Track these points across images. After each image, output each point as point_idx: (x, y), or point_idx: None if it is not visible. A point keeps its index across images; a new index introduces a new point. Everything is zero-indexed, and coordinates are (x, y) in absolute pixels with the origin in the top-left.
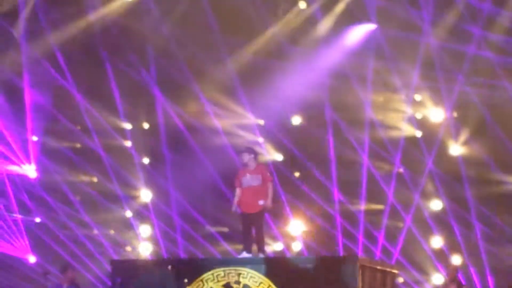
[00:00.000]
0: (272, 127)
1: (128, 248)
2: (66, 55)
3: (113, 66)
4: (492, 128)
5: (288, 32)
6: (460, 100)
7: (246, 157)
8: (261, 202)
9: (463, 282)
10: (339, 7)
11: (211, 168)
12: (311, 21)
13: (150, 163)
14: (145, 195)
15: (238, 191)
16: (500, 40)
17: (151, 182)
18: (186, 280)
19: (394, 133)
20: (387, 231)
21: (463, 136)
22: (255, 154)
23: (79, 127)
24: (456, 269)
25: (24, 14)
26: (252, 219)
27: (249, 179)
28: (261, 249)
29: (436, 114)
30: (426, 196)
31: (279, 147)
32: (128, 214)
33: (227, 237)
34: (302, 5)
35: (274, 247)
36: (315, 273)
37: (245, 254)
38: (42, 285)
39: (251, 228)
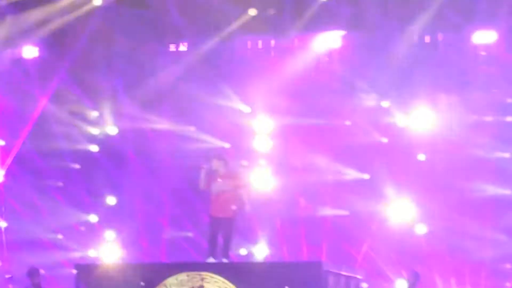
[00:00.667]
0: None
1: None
2: (33, 58)
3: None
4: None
5: (257, 36)
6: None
7: (216, 164)
8: (233, 208)
9: None
10: (309, 13)
11: (177, 173)
12: (281, 25)
13: (116, 168)
14: (110, 200)
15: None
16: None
17: (116, 187)
18: (142, 284)
19: (362, 139)
20: (352, 237)
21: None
22: (225, 160)
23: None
24: (416, 274)
25: None
26: (223, 224)
27: (221, 185)
28: (226, 254)
29: (403, 120)
30: (392, 202)
31: (245, 152)
32: (93, 218)
33: (191, 242)
34: (271, 12)
35: (239, 251)
36: (279, 278)
37: (211, 260)
38: None
39: (219, 234)
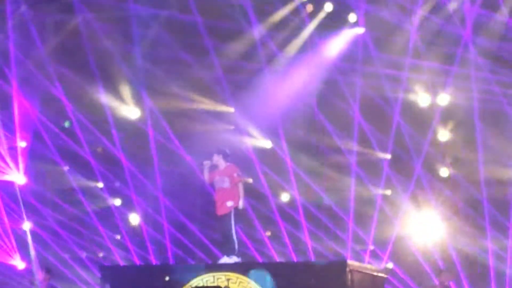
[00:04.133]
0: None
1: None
2: (54, 60)
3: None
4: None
5: (277, 35)
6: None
7: (215, 158)
8: (229, 204)
9: None
10: (327, 12)
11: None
12: (299, 25)
13: (139, 170)
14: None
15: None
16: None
17: (141, 188)
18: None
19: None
20: (376, 236)
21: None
22: (224, 154)
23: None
24: (450, 276)
25: (12, 19)
26: (221, 222)
27: (219, 181)
28: (230, 252)
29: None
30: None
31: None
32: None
33: (216, 243)
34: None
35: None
36: (304, 278)
37: (226, 259)
38: None
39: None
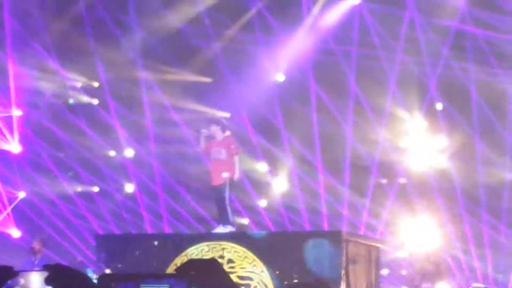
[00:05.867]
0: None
1: None
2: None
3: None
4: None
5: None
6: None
7: (213, 128)
8: (224, 175)
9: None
10: None
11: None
12: None
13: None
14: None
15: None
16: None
17: (136, 158)
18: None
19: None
20: (372, 207)
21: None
22: (222, 125)
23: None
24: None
25: None
26: (216, 192)
27: (215, 152)
28: (224, 222)
29: None
30: None
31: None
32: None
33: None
34: None
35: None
36: (299, 248)
37: (221, 228)
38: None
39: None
